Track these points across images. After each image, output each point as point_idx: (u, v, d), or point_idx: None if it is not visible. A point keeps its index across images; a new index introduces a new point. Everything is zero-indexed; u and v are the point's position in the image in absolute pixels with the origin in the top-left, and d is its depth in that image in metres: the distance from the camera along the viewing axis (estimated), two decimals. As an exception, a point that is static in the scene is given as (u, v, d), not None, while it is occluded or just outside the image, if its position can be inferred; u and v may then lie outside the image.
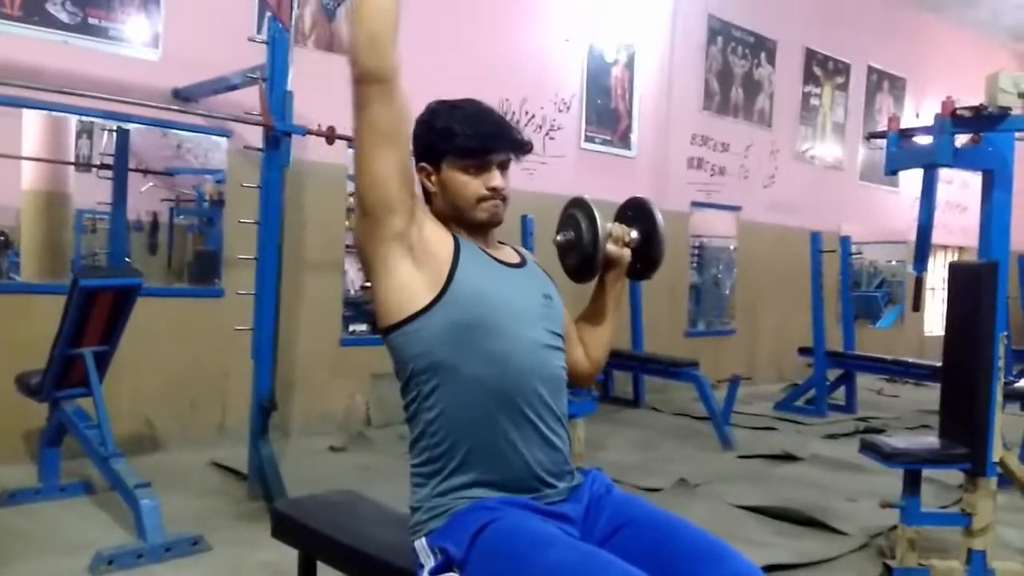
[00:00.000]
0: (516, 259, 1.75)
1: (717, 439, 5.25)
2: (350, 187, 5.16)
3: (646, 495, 3.89)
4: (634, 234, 1.85)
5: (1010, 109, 2.97)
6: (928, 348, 9.29)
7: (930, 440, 3.23)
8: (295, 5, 4.85)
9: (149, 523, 2.97)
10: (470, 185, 1.65)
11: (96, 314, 3.31)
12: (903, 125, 3.41)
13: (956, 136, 3.08)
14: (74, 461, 3.73)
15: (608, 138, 6.84)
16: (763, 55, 8.14)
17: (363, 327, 5.78)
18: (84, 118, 4.58)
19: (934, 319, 10.19)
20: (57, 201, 4.96)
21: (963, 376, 3.05)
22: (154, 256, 5.53)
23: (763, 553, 3.12)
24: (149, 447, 4.41)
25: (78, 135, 5.06)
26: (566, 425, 1.68)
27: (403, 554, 1.66)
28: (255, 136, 3.94)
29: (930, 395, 6.07)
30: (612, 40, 6.79)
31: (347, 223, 5.34)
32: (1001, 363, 2.98)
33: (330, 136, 4.03)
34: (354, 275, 6.22)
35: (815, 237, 6.69)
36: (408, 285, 1.58)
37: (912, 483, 3.02)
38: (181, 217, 5.77)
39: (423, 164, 1.67)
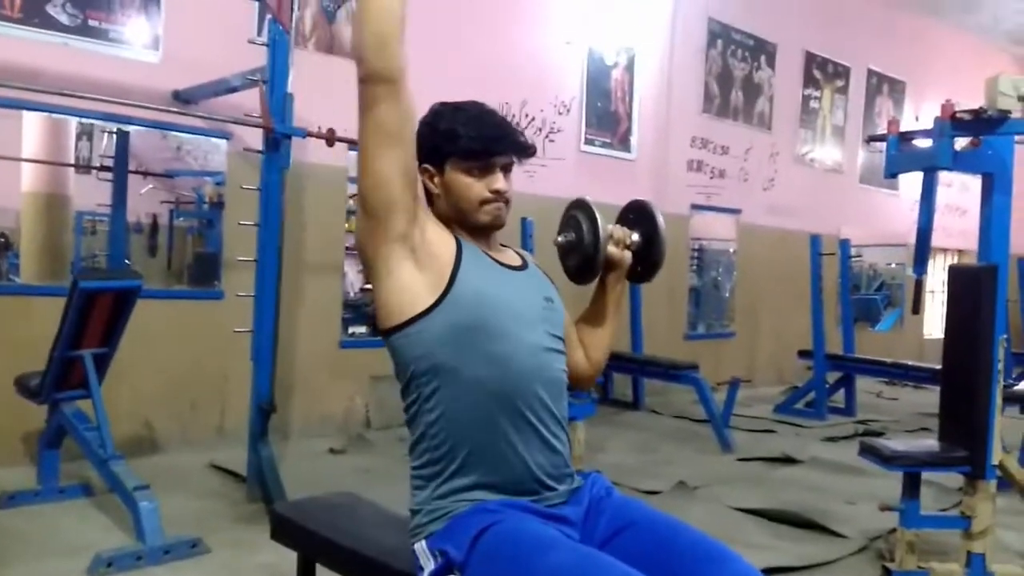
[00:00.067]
0: (518, 262, 1.75)
1: (716, 442, 5.25)
2: (350, 189, 5.20)
3: (645, 497, 3.89)
4: (635, 236, 1.85)
5: (1010, 112, 2.97)
6: (927, 351, 9.29)
7: (929, 443, 3.23)
8: (295, 7, 4.86)
9: (148, 525, 2.96)
10: (473, 187, 1.65)
11: (96, 316, 3.30)
12: (903, 128, 3.41)
13: (956, 139, 3.08)
14: (73, 463, 3.73)
15: (608, 141, 6.84)
16: (763, 58, 8.14)
17: (363, 329, 5.78)
18: (84, 120, 4.58)
19: (934, 322, 10.19)
20: (57, 203, 4.96)
21: (963, 379, 3.05)
22: (154, 258, 5.54)
23: (762, 556, 3.12)
24: (148, 449, 4.40)
25: (78, 137, 5.07)
26: (566, 428, 1.68)
27: (403, 557, 1.65)
28: (255, 138, 3.94)
29: (930, 398, 6.06)
30: (612, 43, 6.80)
31: (347, 225, 5.35)
32: (1001, 366, 2.98)
33: (330, 138, 4.03)
34: (354, 277, 6.23)
35: (815, 240, 6.70)
36: (410, 287, 1.57)
37: (911, 486, 3.02)
38: (181, 219, 5.78)
39: (426, 165, 1.67)
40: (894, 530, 3.18)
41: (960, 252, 10.48)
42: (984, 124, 3.01)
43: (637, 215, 1.89)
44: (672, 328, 7.39)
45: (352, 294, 6.24)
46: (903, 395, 7.89)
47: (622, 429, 5.71)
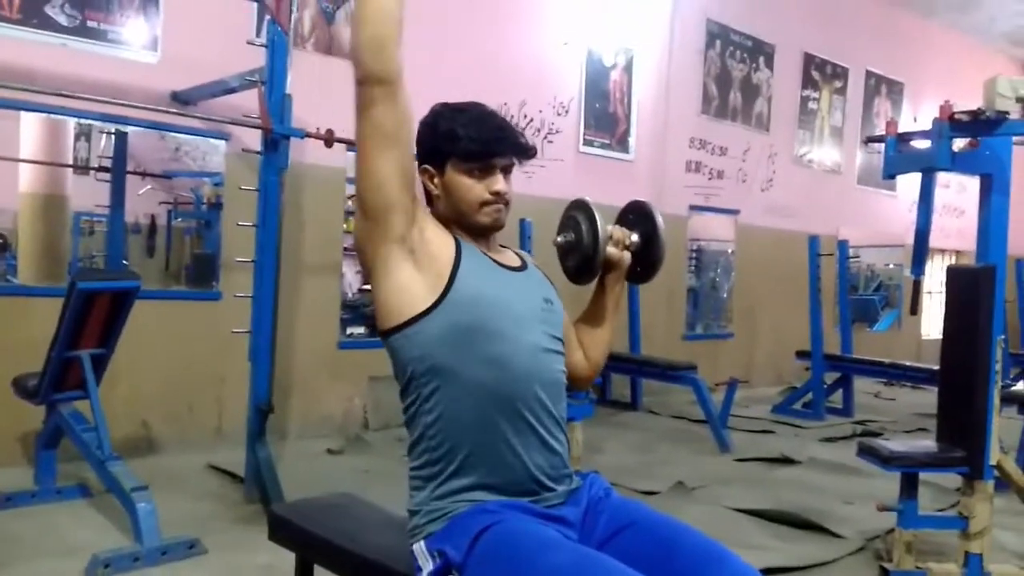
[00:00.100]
0: (517, 263, 1.75)
1: (714, 442, 5.25)
2: (348, 190, 5.19)
3: (644, 498, 3.89)
4: (635, 237, 1.85)
5: (1008, 113, 2.98)
6: (925, 351, 9.30)
7: (927, 443, 3.23)
8: (294, 8, 4.85)
9: (145, 526, 2.96)
10: (473, 189, 1.65)
11: (93, 317, 3.30)
12: (901, 129, 3.42)
13: (954, 140, 3.08)
14: (71, 464, 3.72)
15: (606, 142, 6.84)
16: (761, 59, 8.15)
17: (361, 330, 5.78)
18: (82, 121, 4.57)
19: (931, 323, 10.20)
20: (55, 203, 4.96)
21: (960, 379, 3.05)
22: (152, 259, 5.54)
23: (760, 556, 3.12)
24: (146, 450, 4.40)
25: (76, 138, 5.06)
26: (565, 429, 1.68)
27: (401, 557, 1.65)
28: (253, 139, 3.94)
29: (927, 398, 6.08)
30: (611, 44, 6.80)
31: (345, 226, 5.35)
32: (998, 366, 2.98)
33: (328, 139, 4.03)
34: (352, 278, 6.23)
35: (813, 241, 6.70)
36: (409, 287, 1.57)
37: (909, 486, 3.02)
38: (179, 220, 5.77)
39: (426, 166, 1.67)
40: (892, 530, 3.18)
41: (958, 253, 10.50)
42: (982, 125, 3.01)
43: (636, 215, 1.89)
44: (670, 329, 7.39)
45: (350, 295, 6.24)
46: (901, 395, 7.90)
47: (620, 430, 5.71)
